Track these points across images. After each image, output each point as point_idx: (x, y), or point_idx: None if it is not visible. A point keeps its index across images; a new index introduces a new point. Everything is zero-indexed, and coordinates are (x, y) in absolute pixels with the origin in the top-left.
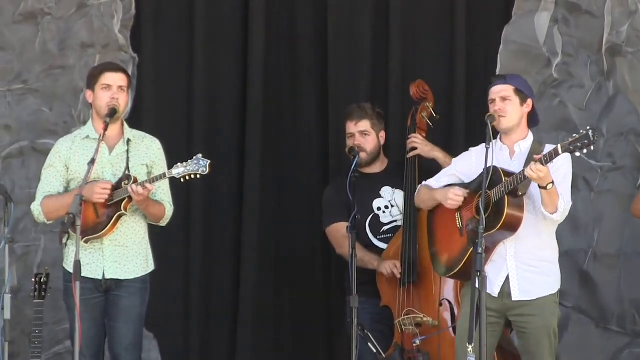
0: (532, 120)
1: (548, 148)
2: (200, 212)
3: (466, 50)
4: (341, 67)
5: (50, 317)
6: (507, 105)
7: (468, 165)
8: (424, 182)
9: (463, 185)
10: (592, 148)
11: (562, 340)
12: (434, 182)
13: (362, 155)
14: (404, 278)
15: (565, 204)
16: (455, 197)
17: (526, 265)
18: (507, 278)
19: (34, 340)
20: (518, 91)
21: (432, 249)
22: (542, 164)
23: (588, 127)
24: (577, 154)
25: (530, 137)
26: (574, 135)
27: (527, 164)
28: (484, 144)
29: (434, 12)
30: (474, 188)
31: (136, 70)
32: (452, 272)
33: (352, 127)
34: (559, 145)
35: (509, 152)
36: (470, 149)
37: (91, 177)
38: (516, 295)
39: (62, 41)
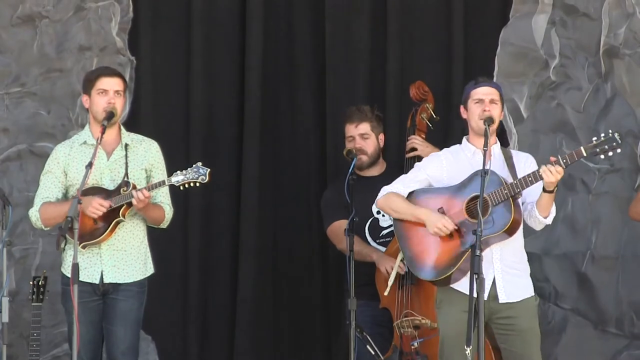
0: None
1: (516, 154)
2: (199, 215)
3: (463, 53)
4: (339, 69)
5: (48, 320)
6: (494, 109)
7: (439, 169)
8: (389, 187)
9: (446, 189)
10: (619, 151)
11: (560, 343)
12: (401, 187)
13: (363, 158)
14: (403, 280)
15: (554, 208)
16: (444, 230)
17: (510, 268)
18: (494, 281)
19: (32, 343)
20: (501, 97)
21: (407, 252)
22: (562, 166)
23: (610, 131)
24: (602, 156)
25: (498, 142)
26: (595, 138)
27: (510, 168)
28: (452, 147)
29: (431, 14)
30: (460, 192)
31: (134, 73)
32: (442, 277)
33: (352, 129)
34: (582, 148)
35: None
36: (438, 153)
37: (89, 182)
38: (503, 298)
39: (59, 44)
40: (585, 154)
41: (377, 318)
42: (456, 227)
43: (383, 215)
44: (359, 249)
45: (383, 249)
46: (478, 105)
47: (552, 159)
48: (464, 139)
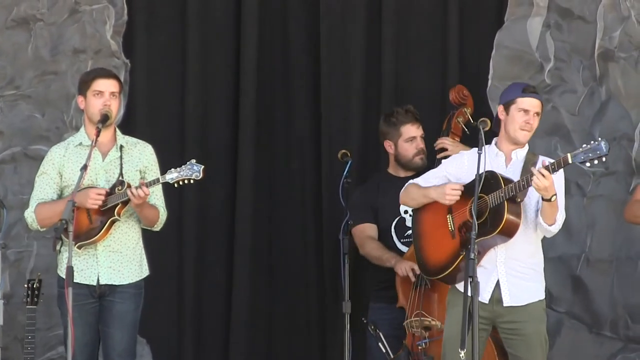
0: None
1: (541, 159)
2: (193, 217)
3: (458, 56)
4: (334, 72)
5: (43, 323)
6: (536, 121)
7: (460, 168)
8: (411, 181)
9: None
10: (604, 160)
11: (555, 346)
12: (422, 181)
13: (424, 159)
14: (418, 281)
15: (562, 216)
16: (453, 192)
17: (515, 271)
18: (497, 284)
19: (27, 346)
20: (542, 109)
21: (417, 250)
22: (549, 171)
23: (600, 138)
24: (588, 164)
25: (526, 146)
26: (584, 145)
27: (523, 172)
28: (476, 148)
29: (427, 17)
30: (469, 191)
31: (128, 76)
32: (441, 275)
33: (414, 130)
34: (568, 154)
35: (504, 159)
36: (463, 152)
37: (84, 184)
38: (507, 301)
39: (54, 47)
40: (570, 161)
41: (395, 321)
42: (462, 188)
43: (410, 215)
44: (379, 254)
45: (406, 248)
46: (522, 115)
47: (544, 163)
48: (493, 141)
